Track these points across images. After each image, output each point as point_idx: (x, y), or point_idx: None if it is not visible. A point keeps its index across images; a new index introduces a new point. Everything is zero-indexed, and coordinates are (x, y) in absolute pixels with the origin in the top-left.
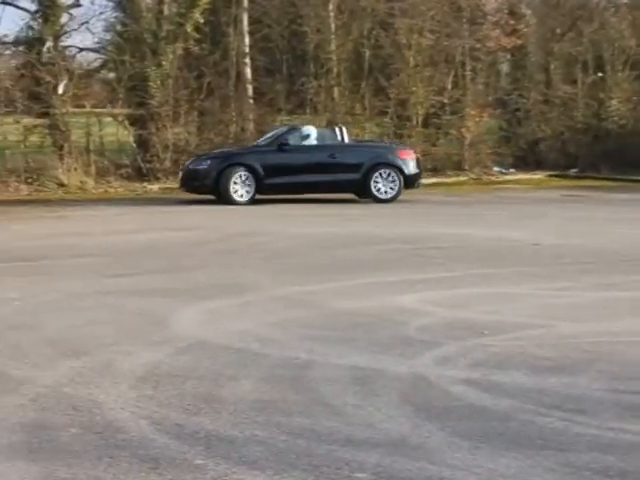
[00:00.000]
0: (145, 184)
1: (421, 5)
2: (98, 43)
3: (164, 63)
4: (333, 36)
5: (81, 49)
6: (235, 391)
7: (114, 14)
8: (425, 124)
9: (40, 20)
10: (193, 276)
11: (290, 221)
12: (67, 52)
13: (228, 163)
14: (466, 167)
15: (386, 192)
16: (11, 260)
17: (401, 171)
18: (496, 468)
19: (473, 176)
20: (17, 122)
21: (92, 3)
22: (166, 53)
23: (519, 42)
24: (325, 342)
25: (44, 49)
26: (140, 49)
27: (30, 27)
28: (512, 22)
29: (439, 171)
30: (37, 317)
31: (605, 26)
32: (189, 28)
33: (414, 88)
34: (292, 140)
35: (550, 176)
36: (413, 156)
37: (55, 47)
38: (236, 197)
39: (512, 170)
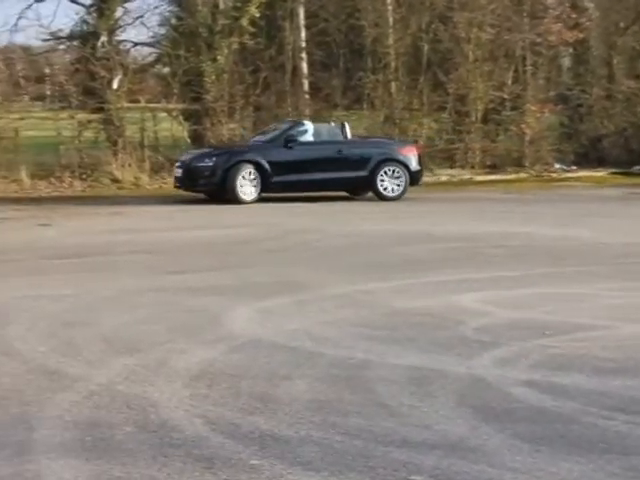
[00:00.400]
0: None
1: None
2: (153, 37)
3: (219, 57)
4: (391, 30)
5: (136, 43)
6: (290, 390)
7: (169, 8)
8: (484, 120)
9: (95, 14)
10: (246, 274)
11: (341, 218)
12: (122, 46)
13: (236, 160)
14: (526, 164)
15: (393, 190)
16: (66, 257)
17: (407, 168)
18: (558, 472)
19: (533, 173)
20: (71, 117)
21: None
22: (221, 47)
23: (581, 36)
24: (381, 341)
25: (99, 43)
26: (195, 43)
27: (85, 21)
28: (574, 16)
29: (498, 168)
30: (91, 314)
31: None
32: (245, 22)
33: (473, 83)
34: (299, 136)
35: (613, 173)
36: (416, 152)
37: (110, 41)
38: (243, 195)
39: (574, 167)
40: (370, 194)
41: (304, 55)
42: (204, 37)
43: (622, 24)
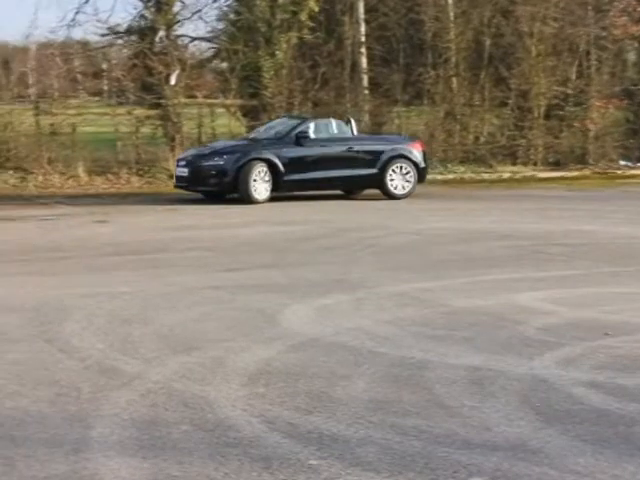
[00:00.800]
0: None
1: None
2: (211, 32)
3: (278, 53)
4: (452, 24)
5: (194, 38)
6: (349, 390)
7: (227, 2)
8: (547, 116)
9: (153, 9)
10: (304, 271)
11: (395, 216)
12: (180, 41)
13: (248, 158)
14: (590, 161)
15: (403, 187)
16: (122, 254)
17: (416, 165)
18: (621, 474)
19: (598, 170)
20: (129, 113)
21: None
22: (280, 42)
23: None
24: (441, 341)
25: (157, 38)
26: (253, 38)
27: (143, 16)
28: None
29: (561, 165)
30: (148, 311)
31: None
32: (303, 17)
33: (536, 78)
34: (313, 132)
35: None
36: (421, 149)
37: (168, 36)
38: (256, 195)
39: (639, 164)
40: (366, 192)
41: (363, 50)
42: (262, 32)
43: None
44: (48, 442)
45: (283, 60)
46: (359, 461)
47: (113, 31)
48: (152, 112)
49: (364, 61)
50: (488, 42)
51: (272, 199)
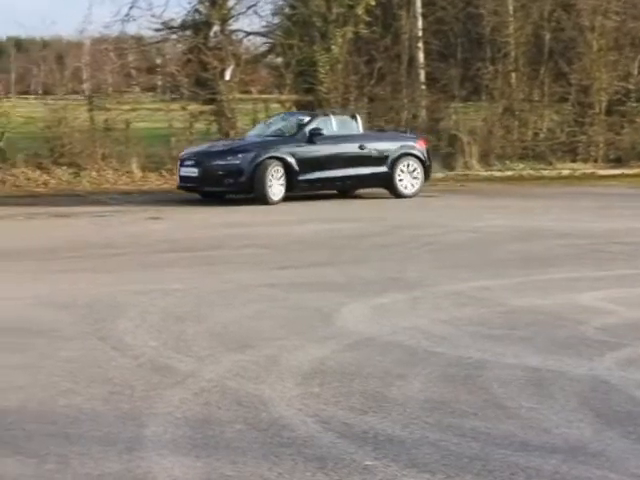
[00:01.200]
0: None
1: None
2: (266, 27)
3: (333, 47)
4: (511, 18)
5: (248, 33)
6: (404, 390)
7: None
8: (608, 112)
9: (207, 3)
10: (358, 270)
11: (455, 213)
12: (234, 36)
13: (264, 157)
14: None
15: (412, 185)
16: (176, 250)
17: (422, 163)
18: None
19: None
20: (183, 108)
21: None
22: (336, 37)
23: None
24: (499, 341)
25: (211, 33)
26: (309, 33)
27: (197, 11)
28: None
29: (623, 162)
30: (201, 309)
31: None
32: (360, 11)
33: (597, 73)
34: (325, 129)
35: None
36: (426, 146)
37: (222, 31)
38: (272, 195)
39: None
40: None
41: (421, 44)
42: (318, 26)
43: None
44: (102, 440)
45: (339, 55)
46: (415, 462)
47: (167, 26)
48: (206, 107)
49: (421, 56)
50: (548, 36)
51: (286, 199)
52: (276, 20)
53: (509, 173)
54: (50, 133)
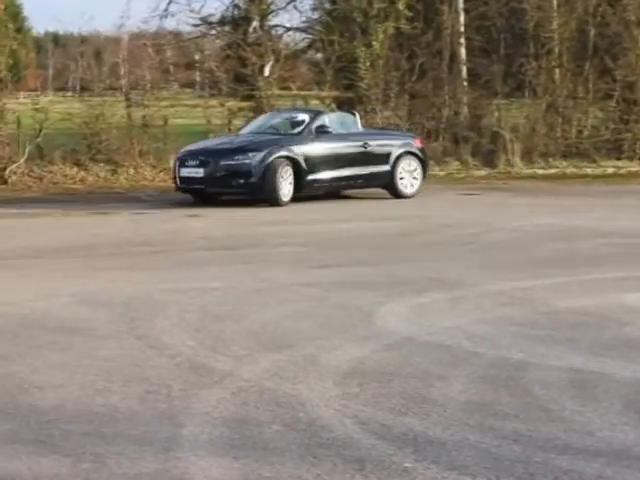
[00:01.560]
0: None
1: None
2: (306, 22)
3: (374, 43)
4: (555, 14)
5: (288, 29)
6: (445, 391)
7: None
8: None
9: None
10: (399, 269)
11: (497, 211)
12: (274, 32)
13: (275, 156)
14: None
15: (412, 185)
16: (214, 248)
17: (421, 161)
18: None
19: None
20: (221, 105)
21: None
22: (376, 32)
23: None
24: (541, 342)
25: (250, 29)
26: (349, 28)
27: (236, 6)
28: None
29: None
30: (239, 308)
31: None
32: (401, 6)
33: None
34: (332, 126)
35: None
36: (422, 145)
37: (262, 26)
38: (283, 197)
39: None
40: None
41: (463, 40)
42: (358, 22)
43: None
44: (138, 440)
45: (379, 51)
46: (455, 465)
47: (206, 21)
48: (245, 104)
49: (463, 52)
50: (593, 32)
51: (294, 199)
52: (316, 15)
53: (552, 171)
54: (87, 130)
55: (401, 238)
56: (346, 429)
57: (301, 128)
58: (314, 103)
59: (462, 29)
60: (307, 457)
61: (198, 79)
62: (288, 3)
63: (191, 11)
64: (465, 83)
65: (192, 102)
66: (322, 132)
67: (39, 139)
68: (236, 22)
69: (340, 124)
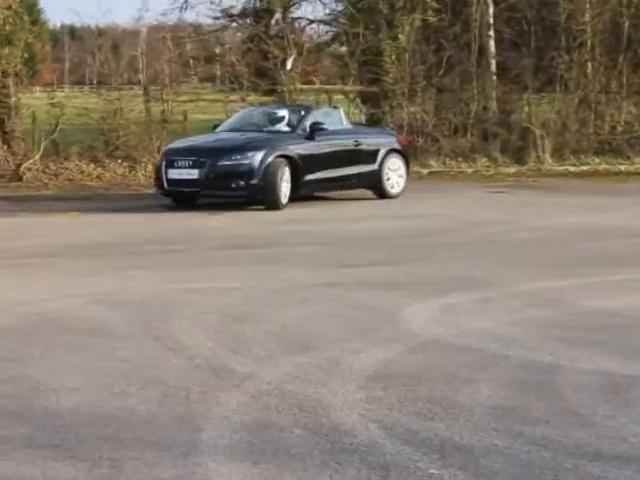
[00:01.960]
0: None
1: None
2: (329, 14)
3: (400, 36)
4: (588, 5)
5: (311, 21)
6: (472, 395)
7: None
8: None
9: None
10: (423, 269)
11: (525, 210)
12: (296, 24)
13: (275, 155)
14: None
15: (398, 184)
16: (234, 247)
17: (406, 160)
18: None
19: None
20: (243, 99)
21: None
22: (402, 25)
23: None
24: (572, 344)
25: (272, 21)
26: (374, 20)
27: None
28: None
29: None
30: (259, 308)
31: None
32: None
33: None
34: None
35: None
36: (404, 143)
37: (284, 19)
38: (282, 199)
39: None
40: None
41: (492, 33)
42: (384, 14)
43: None
44: (156, 444)
45: (406, 44)
46: (483, 471)
47: (227, 14)
48: (267, 99)
49: (492, 44)
50: (627, 24)
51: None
52: (340, 7)
53: (584, 168)
54: (105, 125)
55: (425, 237)
56: (370, 434)
57: (294, 125)
58: (338, 98)
59: (491, 21)
60: (330, 463)
61: (218, 73)
62: None
63: (211, 3)
64: (494, 77)
65: (212, 97)
66: (317, 129)
67: (55, 135)
68: (258, 14)
69: (327, 120)
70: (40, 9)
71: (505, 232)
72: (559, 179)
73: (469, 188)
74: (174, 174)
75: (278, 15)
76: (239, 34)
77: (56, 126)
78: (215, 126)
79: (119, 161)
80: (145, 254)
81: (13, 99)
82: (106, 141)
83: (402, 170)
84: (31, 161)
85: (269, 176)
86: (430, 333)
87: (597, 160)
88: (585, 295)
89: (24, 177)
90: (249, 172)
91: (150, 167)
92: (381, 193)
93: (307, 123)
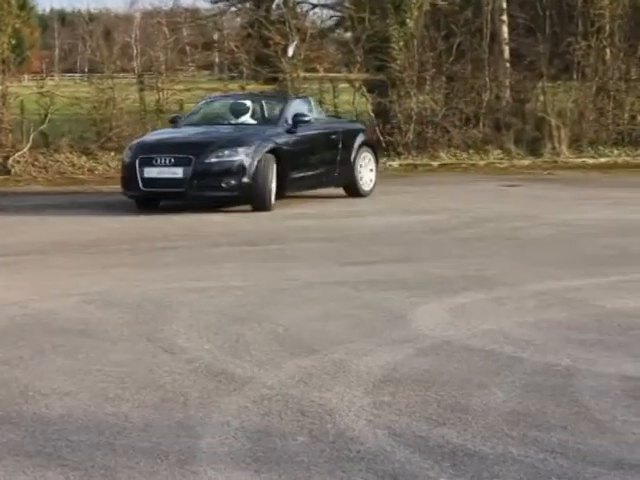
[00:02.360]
0: (384, 160)
1: None
2: None
3: (408, 21)
4: None
5: (314, 5)
6: (485, 400)
7: None
8: None
9: None
10: (436, 266)
11: (543, 204)
12: (299, 9)
13: (264, 151)
14: None
15: (371, 180)
16: (235, 244)
17: (375, 155)
18: None
19: None
20: (242, 88)
21: None
22: (411, 9)
23: None
24: (591, 347)
25: (273, 5)
26: (381, 5)
27: None
28: None
29: None
30: (261, 309)
31: None
32: None
33: None
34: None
35: None
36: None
37: (286, 3)
38: (273, 199)
39: None
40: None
41: (505, 18)
42: None
43: None
44: (152, 452)
45: (414, 29)
46: None
47: None
48: (268, 87)
49: (505, 30)
50: None
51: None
52: None
53: (602, 160)
54: (97, 115)
55: (437, 233)
56: (378, 441)
57: (276, 117)
58: (343, 86)
59: (504, 5)
60: (336, 471)
61: (217, 60)
62: None
63: None
64: (507, 64)
65: (210, 85)
66: (300, 121)
67: (44, 125)
68: None
69: (305, 111)
70: None
71: (520, 228)
72: (576, 172)
73: (482, 181)
74: (152, 173)
75: None
76: (238, 19)
77: (45, 116)
78: (173, 119)
79: (112, 153)
80: (141, 251)
81: (0, 88)
82: (98, 132)
83: (372, 165)
84: (19, 153)
85: (260, 174)
86: (441, 334)
87: (616, 152)
88: (605, 295)
89: (12, 170)
90: (241, 170)
91: None
92: (354, 191)
93: (289, 115)
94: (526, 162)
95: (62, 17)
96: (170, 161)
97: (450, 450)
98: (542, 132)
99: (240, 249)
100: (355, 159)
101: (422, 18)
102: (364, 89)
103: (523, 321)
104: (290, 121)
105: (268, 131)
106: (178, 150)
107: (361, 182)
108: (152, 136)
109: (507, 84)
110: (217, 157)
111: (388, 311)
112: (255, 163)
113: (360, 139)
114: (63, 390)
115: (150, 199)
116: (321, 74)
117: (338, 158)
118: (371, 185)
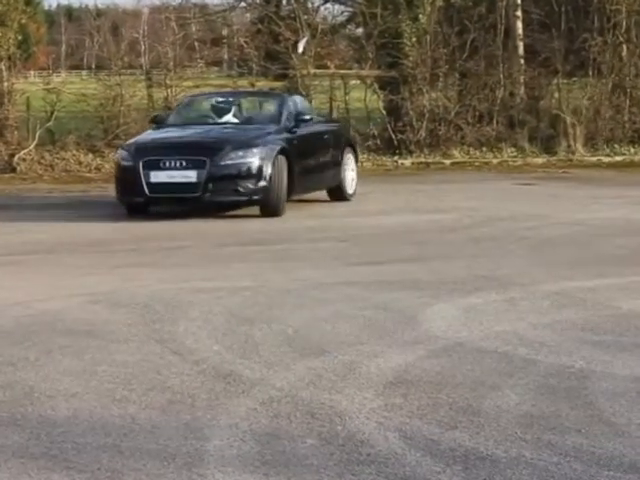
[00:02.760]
0: (396, 158)
1: None
2: None
3: (421, 16)
4: None
5: (326, 1)
6: (498, 403)
7: None
8: None
9: None
10: (447, 266)
11: (557, 203)
12: (309, 4)
13: (276, 152)
14: None
15: (353, 180)
16: (245, 244)
17: (355, 155)
18: None
19: None
20: (251, 85)
21: None
22: (423, 5)
23: None
24: (606, 348)
25: (284, 1)
26: (393, 0)
27: None
28: None
29: None
30: (271, 309)
31: None
32: None
33: None
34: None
35: None
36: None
37: None
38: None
39: None
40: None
41: (519, 13)
42: None
43: None
44: (159, 454)
45: (427, 25)
46: None
47: None
48: (277, 84)
49: (520, 26)
50: None
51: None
52: None
53: (618, 158)
54: (104, 112)
55: (449, 233)
56: (389, 444)
57: (277, 116)
58: (354, 83)
59: (519, 1)
60: (346, 475)
61: (226, 57)
62: None
63: None
64: (522, 61)
65: (219, 82)
66: (302, 120)
67: (50, 123)
68: None
69: (302, 109)
70: None
71: (534, 227)
72: (592, 170)
73: (495, 180)
74: (161, 177)
75: None
76: (248, 15)
77: (52, 113)
78: (156, 119)
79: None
80: (149, 251)
81: (6, 84)
82: (105, 129)
83: (353, 164)
84: (25, 151)
85: (277, 177)
86: (453, 336)
87: (632, 150)
88: (621, 295)
89: (18, 168)
90: (258, 172)
91: None
92: (340, 194)
93: (290, 114)
94: (540, 160)
95: (69, 12)
96: (182, 164)
97: (462, 453)
98: (557, 130)
99: (249, 249)
100: (342, 159)
101: (435, 14)
102: (376, 86)
103: (537, 322)
104: (292, 120)
105: (272, 131)
106: (190, 152)
107: (346, 183)
108: (150, 136)
109: (521, 81)
110: (231, 159)
111: (399, 312)
112: (270, 165)
113: (345, 139)
114: (69, 391)
115: (141, 204)
116: (332, 71)
117: (330, 159)
118: (354, 187)
